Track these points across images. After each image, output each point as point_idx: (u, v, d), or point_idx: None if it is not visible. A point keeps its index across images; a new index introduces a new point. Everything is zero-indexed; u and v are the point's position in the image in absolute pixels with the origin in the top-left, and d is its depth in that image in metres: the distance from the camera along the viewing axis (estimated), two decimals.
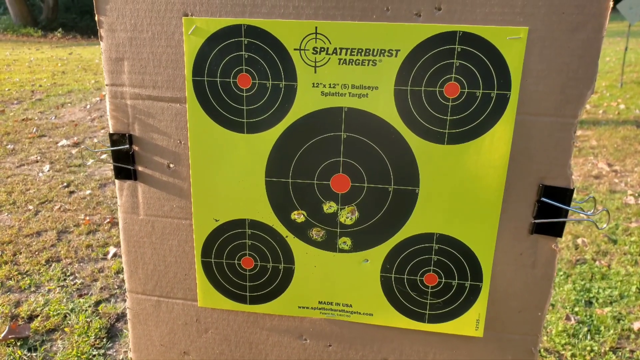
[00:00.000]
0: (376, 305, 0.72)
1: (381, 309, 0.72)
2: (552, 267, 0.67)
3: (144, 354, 0.82)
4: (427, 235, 0.68)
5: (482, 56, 0.60)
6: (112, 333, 1.48)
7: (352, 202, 0.69)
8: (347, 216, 0.69)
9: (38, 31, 11.24)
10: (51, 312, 1.55)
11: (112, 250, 1.95)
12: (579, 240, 2.03)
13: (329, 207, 0.69)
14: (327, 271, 0.72)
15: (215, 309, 0.77)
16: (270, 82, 0.65)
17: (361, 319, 0.74)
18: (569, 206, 0.64)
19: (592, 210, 0.66)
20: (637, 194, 2.49)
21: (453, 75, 0.62)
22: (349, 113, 0.65)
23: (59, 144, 3.29)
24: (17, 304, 1.61)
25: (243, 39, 0.64)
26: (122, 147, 0.72)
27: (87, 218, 2.22)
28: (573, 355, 1.38)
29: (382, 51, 0.62)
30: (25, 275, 1.77)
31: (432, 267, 0.70)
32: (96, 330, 1.47)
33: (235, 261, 0.74)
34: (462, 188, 0.65)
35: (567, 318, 1.54)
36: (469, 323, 0.71)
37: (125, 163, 0.72)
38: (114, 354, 1.39)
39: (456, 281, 0.69)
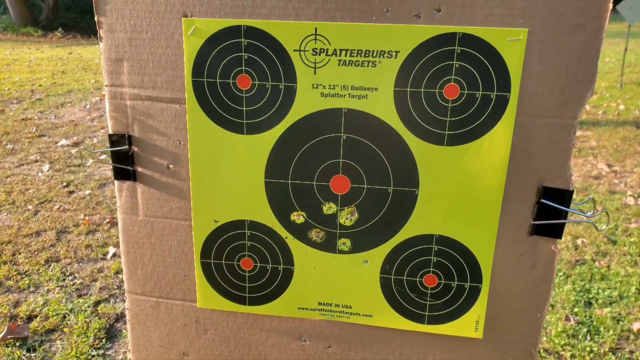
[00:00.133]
0: (376, 307, 0.72)
1: (381, 310, 0.72)
2: (552, 269, 0.67)
3: (143, 355, 0.82)
4: (427, 236, 0.68)
5: (482, 57, 0.60)
6: (111, 333, 1.48)
7: (352, 203, 0.69)
8: (347, 217, 0.69)
9: (38, 31, 11.24)
10: (50, 313, 1.55)
11: (111, 250, 1.95)
12: (579, 241, 2.03)
13: (329, 208, 0.69)
14: (327, 272, 0.72)
15: (215, 310, 0.77)
16: (270, 83, 0.65)
17: (361, 320, 0.73)
18: (568, 208, 0.64)
19: (592, 212, 0.66)
20: (636, 195, 2.49)
21: (453, 77, 0.62)
22: (349, 114, 0.65)
23: (59, 144, 3.29)
24: (16, 304, 1.61)
25: (243, 40, 0.64)
26: (121, 147, 0.72)
27: (87, 218, 2.22)
28: (573, 356, 1.38)
29: (382, 52, 0.62)
30: (24, 275, 1.77)
31: (431, 269, 0.70)
32: (95, 330, 1.47)
33: (235, 262, 0.74)
34: (461, 189, 0.65)
35: (567, 319, 1.54)
36: (469, 324, 0.71)
37: (125, 164, 0.72)
38: (113, 354, 1.39)
39: (456, 282, 0.69)
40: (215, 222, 0.72)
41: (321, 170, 0.68)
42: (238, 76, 0.66)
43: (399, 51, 0.62)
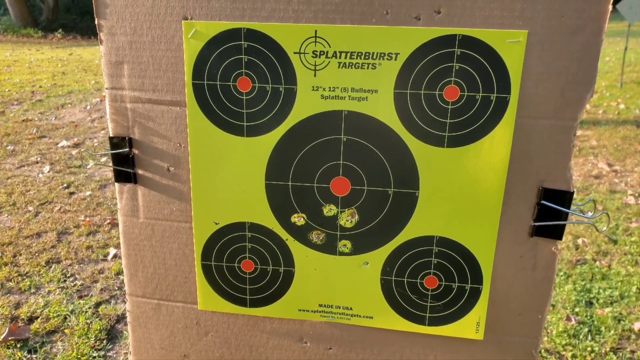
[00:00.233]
0: (376, 308, 0.72)
1: (381, 311, 0.72)
2: (552, 270, 0.67)
3: (144, 357, 0.82)
4: (427, 238, 0.68)
5: (482, 59, 0.60)
6: (112, 335, 1.48)
7: (352, 205, 0.69)
8: (347, 219, 0.69)
9: (38, 32, 11.24)
10: (51, 314, 1.56)
11: (112, 251, 1.95)
12: (579, 241, 2.03)
13: (329, 210, 0.69)
14: (327, 274, 0.72)
15: (216, 312, 0.77)
16: (270, 85, 0.65)
17: (361, 321, 0.74)
18: (569, 209, 0.64)
19: (592, 213, 0.66)
20: (637, 194, 2.49)
21: (453, 79, 0.62)
22: (349, 116, 0.65)
23: (59, 145, 3.29)
24: (17, 305, 1.61)
25: (243, 42, 0.64)
26: (122, 150, 0.72)
27: (87, 219, 2.22)
28: (574, 356, 1.38)
29: (382, 54, 0.62)
30: (25, 277, 1.77)
31: (432, 270, 0.70)
32: (96, 331, 1.47)
33: (235, 264, 0.74)
34: (462, 191, 0.65)
35: (568, 318, 1.54)
36: (470, 326, 0.71)
37: (125, 166, 0.72)
38: (114, 355, 1.40)
39: (456, 284, 0.69)
40: (216, 224, 0.72)
41: (321, 172, 0.68)
42: (238, 79, 0.66)
43: (399, 53, 0.62)
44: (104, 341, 1.44)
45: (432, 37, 0.60)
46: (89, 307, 1.60)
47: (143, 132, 0.71)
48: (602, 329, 1.50)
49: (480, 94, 0.62)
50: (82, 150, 3.17)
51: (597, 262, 1.88)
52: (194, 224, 0.73)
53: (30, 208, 2.33)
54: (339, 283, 0.72)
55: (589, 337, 1.46)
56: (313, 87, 0.64)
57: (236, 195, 0.70)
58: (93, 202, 2.40)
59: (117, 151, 0.72)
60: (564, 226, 0.65)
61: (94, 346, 1.42)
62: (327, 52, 0.63)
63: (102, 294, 1.68)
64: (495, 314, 0.70)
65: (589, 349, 1.41)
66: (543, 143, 0.62)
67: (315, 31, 0.63)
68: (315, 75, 0.64)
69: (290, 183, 0.69)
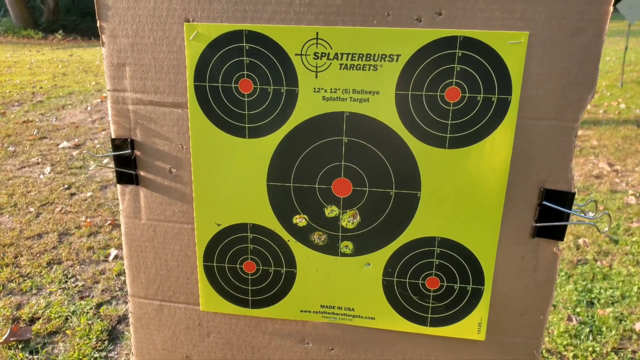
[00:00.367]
0: (378, 309, 0.72)
1: (383, 312, 0.72)
2: (554, 271, 0.67)
3: (146, 358, 0.82)
4: (429, 239, 0.68)
5: (483, 61, 0.61)
6: (113, 335, 1.48)
7: (354, 206, 0.69)
8: (349, 220, 0.69)
9: (39, 33, 11.25)
10: (52, 315, 1.56)
11: (113, 252, 1.95)
12: (580, 241, 2.03)
13: (331, 211, 0.69)
14: (329, 275, 0.72)
15: (218, 313, 0.78)
16: (272, 87, 0.65)
17: (363, 322, 0.74)
18: (570, 210, 0.64)
19: (594, 213, 0.66)
20: (638, 194, 2.49)
21: (454, 80, 0.62)
22: (350, 118, 0.65)
23: (60, 146, 3.30)
24: (19, 306, 1.62)
25: (244, 44, 0.65)
26: (124, 152, 0.72)
27: (88, 220, 2.22)
28: (575, 356, 1.38)
29: (383, 56, 0.62)
30: (26, 278, 1.77)
31: (434, 271, 0.70)
32: (97, 332, 1.48)
33: (237, 265, 0.74)
34: (463, 192, 0.65)
35: (569, 319, 1.54)
36: (471, 326, 0.71)
37: (127, 168, 0.73)
38: (116, 356, 1.40)
39: (458, 285, 0.70)
40: (218, 225, 0.73)
41: (323, 174, 0.68)
42: (240, 80, 0.66)
43: (400, 55, 0.62)
44: (106, 342, 1.45)
45: (433, 39, 0.61)
46: (90, 308, 1.60)
47: (145, 134, 0.71)
48: (604, 329, 1.50)
49: (482, 95, 0.62)
50: (84, 152, 3.17)
51: (598, 262, 1.88)
52: (196, 225, 0.73)
53: (32, 209, 2.33)
54: (340, 284, 0.72)
55: (590, 338, 1.46)
56: (314, 88, 0.65)
57: (238, 197, 0.71)
58: (94, 203, 2.41)
59: (119, 153, 0.72)
60: (565, 227, 0.65)
61: (96, 347, 1.42)
62: (329, 53, 0.63)
63: (103, 295, 1.68)
64: (496, 315, 0.70)
65: (590, 349, 1.41)
66: (544, 144, 0.62)
67: (317, 33, 0.63)
68: (316, 77, 0.64)
69: (292, 184, 0.69)
